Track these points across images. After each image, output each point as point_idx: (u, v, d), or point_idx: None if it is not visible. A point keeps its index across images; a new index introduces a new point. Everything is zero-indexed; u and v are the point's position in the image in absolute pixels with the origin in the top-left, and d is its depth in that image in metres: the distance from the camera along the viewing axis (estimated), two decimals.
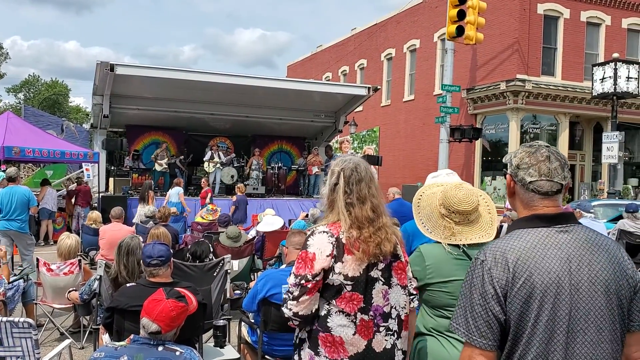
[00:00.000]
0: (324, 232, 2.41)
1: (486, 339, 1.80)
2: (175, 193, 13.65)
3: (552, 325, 1.77)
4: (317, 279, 2.36)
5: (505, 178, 2.05)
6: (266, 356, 4.26)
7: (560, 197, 1.93)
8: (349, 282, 2.36)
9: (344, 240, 2.37)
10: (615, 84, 17.90)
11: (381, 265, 2.42)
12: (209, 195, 14.14)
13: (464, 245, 2.83)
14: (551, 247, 1.82)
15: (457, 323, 1.88)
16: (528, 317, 1.77)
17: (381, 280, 2.42)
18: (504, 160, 2.13)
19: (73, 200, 14.85)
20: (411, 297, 2.58)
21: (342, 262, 2.36)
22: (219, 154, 16.47)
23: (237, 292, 6.05)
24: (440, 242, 2.88)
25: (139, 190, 15.24)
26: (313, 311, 2.40)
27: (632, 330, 1.86)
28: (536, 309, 1.77)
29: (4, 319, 3.55)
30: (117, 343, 2.80)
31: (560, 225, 1.87)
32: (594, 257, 1.82)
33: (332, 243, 2.38)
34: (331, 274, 2.37)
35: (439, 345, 2.70)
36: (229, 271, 5.49)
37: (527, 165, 1.92)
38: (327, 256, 2.36)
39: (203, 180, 15.45)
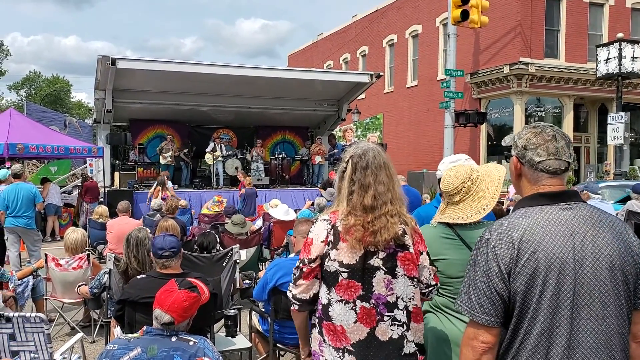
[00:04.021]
0: (324, 219, 2.45)
1: (489, 315, 1.83)
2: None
3: (556, 301, 1.78)
4: (313, 264, 2.41)
5: (509, 161, 2.05)
6: (277, 344, 4.27)
7: (566, 175, 1.95)
8: (344, 270, 2.36)
9: (339, 228, 2.38)
10: (620, 64, 17.73)
11: (382, 254, 2.38)
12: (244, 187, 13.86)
13: (455, 225, 2.87)
14: (555, 224, 1.83)
15: (461, 301, 1.92)
16: (533, 293, 1.79)
17: (382, 270, 2.38)
18: (504, 143, 2.14)
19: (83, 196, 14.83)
20: (430, 288, 2.52)
21: (337, 249, 2.37)
22: (221, 147, 16.43)
23: (247, 281, 6.06)
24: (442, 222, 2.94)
25: (145, 183, 15.26)
26: (311, 296, 2.46)
27: (639, 308, 1.86)
28: (540, 284, 1.78)
29: (16, 314, 3.55)
30: (130, 335, 2.79)
31: (564, 203, 1.88)
32: (598, 233, 1.83)
33: (327, 230, 2.40)
34: (327, 260, 2.39)
35: (438, 321, 2.80)
36: (237, 261, 5.50)
37: (534, 145, 1.93)
38: (321, 242, 2.40)
39: (239, 173, 15.34)
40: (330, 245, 2.39)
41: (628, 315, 1.84)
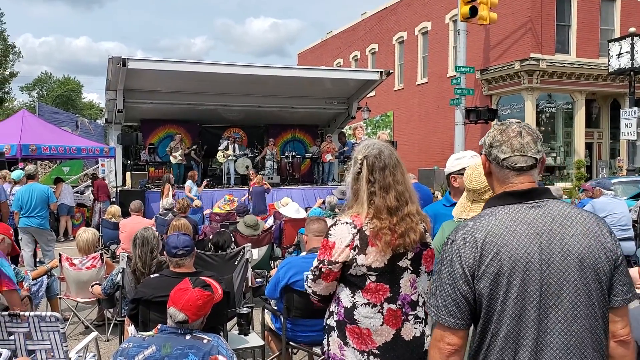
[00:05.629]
0: (346, 222, 2.38)
1: (455, 317, 1.80)
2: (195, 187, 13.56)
3: (522, 302, 1.74)
4: (334, 268, 2.35)
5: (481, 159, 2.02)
6: (290, 342, 4.28)
7: (536, 172, 1.90)
8: (372, 273, 2.33)
9: (367, 232, 2.33)
10: (632, 59, 17.57)
11: (411, 255, 2.37)
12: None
13: None
14: (520, 223, 1.79)
15: (429, 302, 1.89)
16: (497, 295, 1.76)
17: (410, 269, 2.38)
18: (479, 143, 2.10)
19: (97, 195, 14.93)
20: None
21: (365, 254, 2.32)
22: (234, 146, 16.44)
23: (259, 280, 6.07)
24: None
25: (157, 183, 15.33)
26: (330, 293, 2.46)
27: (615, 306, 1.81)
28: (505, 285, 1.75)
29: (32, 313, 3.59)
30: (145, 333, 2.81)
31: (532, 201, 1.84)
32: (566, 231, 1.78)
33: (352, 234, 2.34)
34: (353, 265, 2.34)
35: None
36: (249, 260, 5.52)
37: (499, 142, 1.90)
38: (346, 247, 2.33)
39: (251, 172, 15.40)
40: (357, 250, 2.33)
41: (602, 315, 1.78)
